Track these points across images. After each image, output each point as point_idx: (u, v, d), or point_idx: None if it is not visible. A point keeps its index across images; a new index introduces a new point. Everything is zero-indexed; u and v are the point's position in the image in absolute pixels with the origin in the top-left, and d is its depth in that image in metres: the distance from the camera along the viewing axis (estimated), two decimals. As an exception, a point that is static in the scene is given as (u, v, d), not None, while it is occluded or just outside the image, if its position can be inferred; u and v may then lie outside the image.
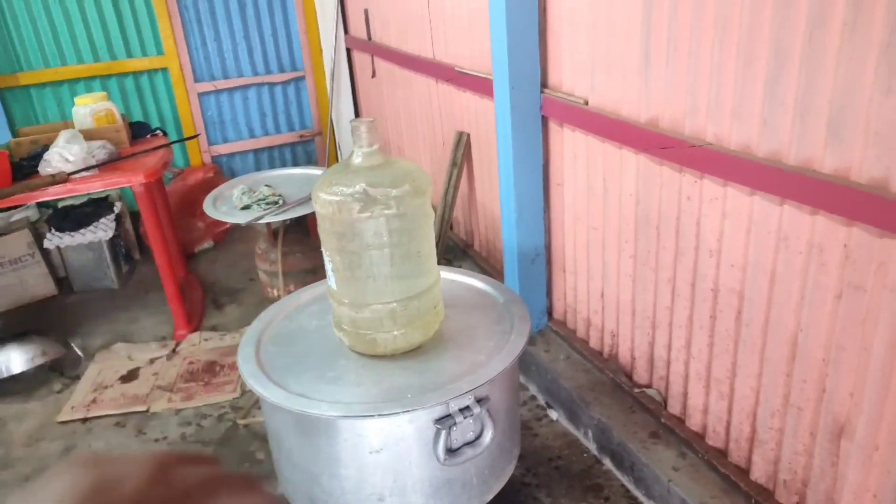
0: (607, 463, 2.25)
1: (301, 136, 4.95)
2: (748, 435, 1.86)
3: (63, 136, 2.90)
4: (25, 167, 2.89)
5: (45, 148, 2.94)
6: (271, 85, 4.75)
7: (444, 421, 1.48)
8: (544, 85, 2.36)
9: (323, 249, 1.58)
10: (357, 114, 4.81)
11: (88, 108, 3.21)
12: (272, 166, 4.82)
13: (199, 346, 3.22)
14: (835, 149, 1.39)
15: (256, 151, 4.87)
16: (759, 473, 1.84)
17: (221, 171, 4.66)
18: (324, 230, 1.55)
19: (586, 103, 2.16)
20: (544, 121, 2.41)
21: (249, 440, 2.55)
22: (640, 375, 2.29)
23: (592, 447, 2.32)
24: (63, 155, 2.83)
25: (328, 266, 1.59)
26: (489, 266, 3.20)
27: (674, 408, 2.15)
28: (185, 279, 3.76)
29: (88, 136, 3.04)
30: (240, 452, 2.49)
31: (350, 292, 1.57)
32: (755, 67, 1.52)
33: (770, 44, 1.47)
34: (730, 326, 1.81)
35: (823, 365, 1.55)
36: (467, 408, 1.50)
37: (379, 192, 1.47)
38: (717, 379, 1.90)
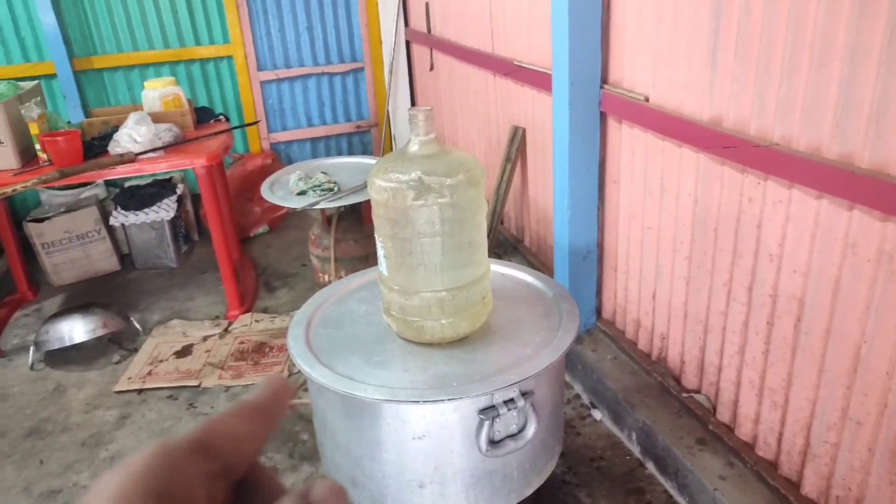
0: (650, 467, 2.21)
1: (358, 127, 5.01)
2: (801, 448, 1.79)
3: (132, 117, 3.02)
4: (96, 146, 3.02)
5: (115, 129, 3.06)
6: (331, 75, 4.82)
7: (488, 412, 1.48)
8: (604, 80, 2.33)
9: (376, 235, 1.60)
10: (414, 106, 4.84)
11: (157, 91, 3.32)
12: (328, 155, 4.90)
13: (250, 326, 3.31)
14: (911, 153, 1.32)
15: (314, 140, 4.95)
16: (810, 488, 1.78)
17: (279, 158, 4.76)
18: (377, 216, 1.57)
19: (647, 100, 2.12)
20: (603, 117, 2.38)
21: (294, 421, 2.61)
22: (689, 380, 2.24)
23: (636, 450, 2.28)
24: (132, 136, 2.94)
25: (380, 252, 1.60)
26: (539, 262, 3.18)
27: (723, 415, 2.09)
28: (240, 261, 3.86)
29: (156, 118, 3.15)
30: (285, 432, 2.55)
31: (400, 279, 1.58)
32: (830, 67, 1.46)
33: (846, 44, 1.41)
34: (788, 334, 1.74)
35: (887, 378, 1.48)
36: (512, 400, 1.50)
37: (433, 181, 1.48)
38: (772, 388, 1.84)
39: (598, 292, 2.70)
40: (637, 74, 2.17)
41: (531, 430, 1.56)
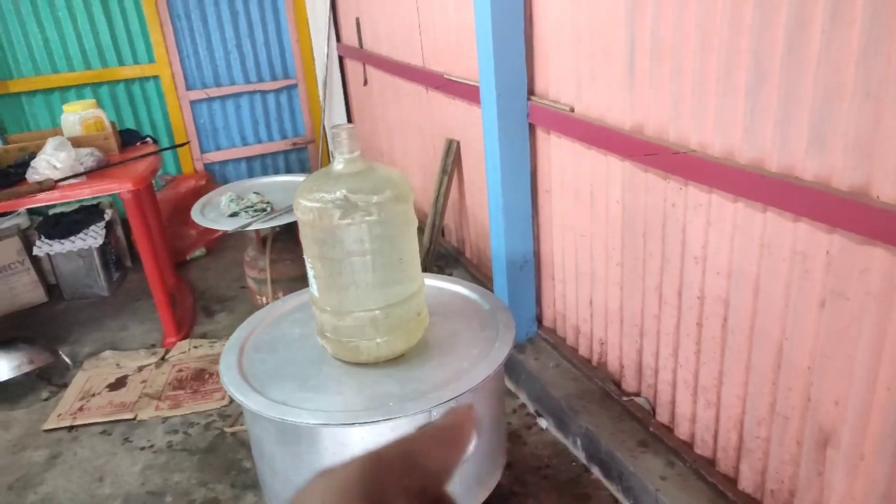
0: (596, 472, 2.24)
1: (294, 144, 4.95)
2: (735, 444, 1.84)
3: (51, 143, 2.89)
4: (13, 174, 2.88)
5: (34, 155, 2.93)
6: (264, 93, 4.75)
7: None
8: (531, 92, 2.36)
9: (305, 256, 1.57)
10: (350, 121, 4.81)
11: (77, 115, 3.20)
12: (265, 174, 4.82)
13: (188, 353, 3.20)
14: (816, 155, 1.38)
15: (249, 159, 4.86)
16: (746, 483, 1.83)
17: (214, 179, 4.66)
18: (305, 237, 1.54)
19: (572, 110, 2.16)
20: (531, 128, 2.41)
21: (237, 448, 2.53)
22: (629, 383, 2.28)
23: (581, 456, 2.30)
24: (50, 162, 2.82)
25: (310, 273, 1.57)
26: (480, 273, 3.19)
27: (662, 416, 2.14)
28: (176, 286, 3.75)
29: (77, 143, 3.03)
30: (227, 460, 2.47)
31: (332, 299, 1.56)
32: (736, 75, 1.52)
33: (750, 52, 1.47)
34: (716, 334, 1.80)
35: (808, 373, 1.54)
36: (449, 416, 1.49)
37: (360, 199, 1.46)
38: (705, 387, 1.89)
39: (538, 301, 2.72)
40: (562, 86, 2.21)
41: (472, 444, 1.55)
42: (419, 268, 1.66)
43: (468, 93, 2.77)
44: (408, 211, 1.56)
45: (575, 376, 2.47)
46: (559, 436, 2.43)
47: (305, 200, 1.48)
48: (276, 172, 4.87)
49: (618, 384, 2.33)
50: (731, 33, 1.50)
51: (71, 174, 2.83)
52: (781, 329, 1.58)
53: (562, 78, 2.20)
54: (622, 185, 2.01)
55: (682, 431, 2.06)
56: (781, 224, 1.50)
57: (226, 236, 4.41)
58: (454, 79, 2.88)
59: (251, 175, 4.84)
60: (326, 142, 4.87)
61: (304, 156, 5.03)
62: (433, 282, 1.94)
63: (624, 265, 2.13)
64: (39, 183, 2.76)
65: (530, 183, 2.48)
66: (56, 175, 2.81)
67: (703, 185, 1.68)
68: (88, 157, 2.95)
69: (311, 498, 0.27)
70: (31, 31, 4.04)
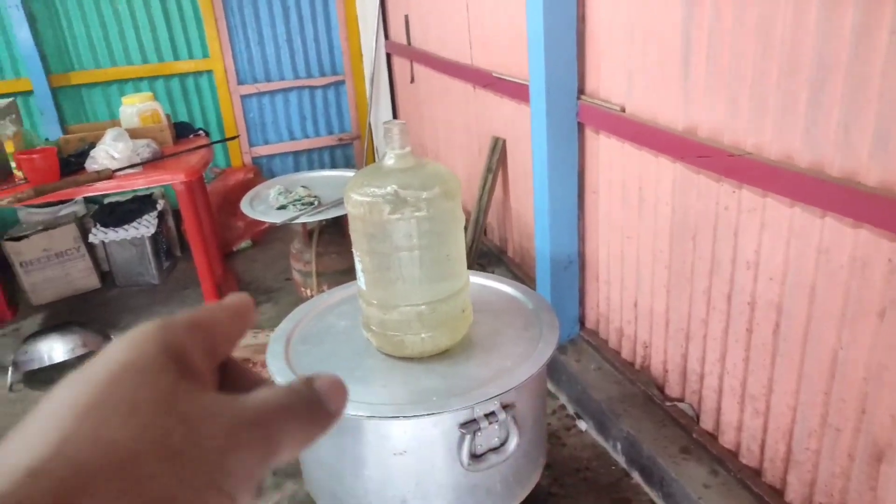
0: (636, 477, 2.21)
1: (340, 140, 5.00)
2: (784, 455, 1.80)
3: (109, 134, 2.99)
4: (73, 163, 2.99)
5: (93, 145, 3.03)
6: (312, 88, 4.81)
7: (469, 426, 1.47)
8: (581, 91, 2.34)
9: (353, 250, 1.59)
10: (396, 117, 4.84)
11: (135, 107, 3.30)
12: (311, 169, 4.88)
13: (233, 342, 3.27)
14: (880, 160, 1.34)
15: (296, 154, 4.94)
16: (793, 495, 1.78)
17: (261, 173, 4.74)
18: (355, 231, 1.56)
19: (623, 110, 2.13)
20: (580, 127, 2.39)
21: (278, 437, 2.58)
22: (673, 388, 2.24)
23: (621, 460, 2.28)
24: (109, 152, 2.92)
25: (358, 266, 1.59)
26: (522, 273, 3.18)
27: (706, 423, 2.10)
28: (223, 277, 3.83)
29: (134, 134, 3.13)
30: (268, 449, 2.52)
31: (379, 293, 1.57)
32: (798, 76, 1.48)
33: (814, 52, 1.43)
34: (767, 341, 1.75)
35: (864, 384, 1.50)
36: (493, 413, 1.49)
37: (409, 194, 1.47)
38: (753, 395, 1.85)
39: (581, 302, 2.70)
40: (613, 85, 2.18)
41: (513, 442, 1.55)
42: (465, 265, 1.66)
43: (517, 91, 2.77)
44: (456, 208, 1.57)
45: (617, 379, 2.44)
46: (599, 439, 2.40)
47: (356, 195, 1.50)
48: (322, 167, 4.93)
49: (661, 389, 2.29)
50: (794, 32, 1.46)
51: (128, 164, 2.92)
52: (837, 338, 1.53)
53: (613, 77, 2.17)
54: (672, 186, 1.98)
55: (726, 440, 2.02)
56: (841, 230, 1.46)
57: (272, 229, 4.48)
58: (503, 77, 2.87)
59: (297, 169, 4.91)
60: (372, 138, 4.92)
61: (350, 152, 5.08)
62: (477, 279, 1.94)
63: (671, 268, 2.09)
64: (98, 172, 2.86)
65: (577, 183, 2.46)
66: (114, 165, 2.90)
67: (758, 189, 1.65)
68: (145, 148, 3.04)
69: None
70: (93, 26, 4.18)
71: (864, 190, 1.36)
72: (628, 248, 2.30)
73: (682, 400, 2.20)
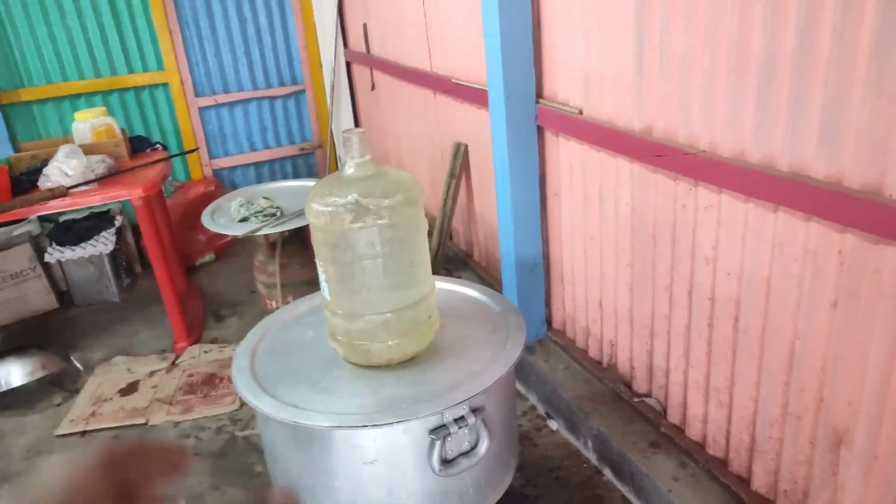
0: (607, 473, 2.23)
1: (302, 149, 4.97)
2: (748, 444, 1.84)
3: (62, 150, 2.92)
4: (25, 182, 2.91)
5: (45, 163, 2.96)
6: (272, 99, 4.77)
7: (439, 431, 1.47)
8: (539, 95, 2.37)
9: (316, 260, 1.58)
10: (357, 126, 4.83)
11: (88, 122, 3.23)
12: (273, 179, 4.83)
13: (198, 358, 3.22)
14: (827, 154, 1.38)
15: (257, 165, 4.89)
16: (759, 483, 1.82)
17: (223, 185, 4.68)
18: (317, 241, 1.55)
19: (581, 113, 2.16)
20: (540, 131, 2.42)
21: (248, 452, 2.54)
22: (640, 385, 2.27)
23: (592, 457, 2.30)
24: (62, 169, 2.85)
25: (322, 277, 1.58)
26: (489, 276, 3.20)
27: (673, 417, 2.13)
28: (186, 292, 3.77)
29: (88, 150, 3.06)
30: (238, 464, 2.48)
31: (343, 303, 1.57)
32: (746, 74, 1.52)
33: (760, 50, 1.47)
34: (727, 335, 1.79)
35: (821, 373, 1.54)
36: (462, 418, 1.49)
37: (371, 202, 1.47)
38: (716, 388, 1.89)
39: (548, 303, 2.72)
40: (570, 88, 2.21)
41: (484, 446, 1.55)
42: (430, 271, 1.66)
43: (476, 96, 2.78)
44: (418, 214, 1.57)
45: (585, 378, 2.46)
46: (570, 437, 2.42)
47: (317, 204, 1.49)
48: (285, 178, 4.89)
49: (628, 385, 2.33)
50: (741, 31, 1.51)
51: (82, 181, 2.86)
52: (794, 329, 1.58)
53: (570, 80, 2.20)
54: (631, 186, 2.02)
55: (693, 432, 2.05)
56: (793, 224, 1.50)
57: (235, 241, 4.43)
58: (462, 83, 2.89)
59: (259, 181, 4.86)
60: (334, 147, 4.90)
61: (312, 161, 5.05)
62: (443, 284, 1.94)
63: (633, 266, 2.13)
64: (51, 190, 2.79)
65: (539, 185, 2.49)
66: (68, 182, 2.83)
67: (713, 186, 1.68)
68: (99, 164, 2.98)
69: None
70: (42, 40, 4.08)
71: (812, 183, 1.40)
72: (591, 249, 2.33)
73: (649, 395, 2.24)
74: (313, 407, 1.49)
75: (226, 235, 4.14)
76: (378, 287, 1.53)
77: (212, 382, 3.00)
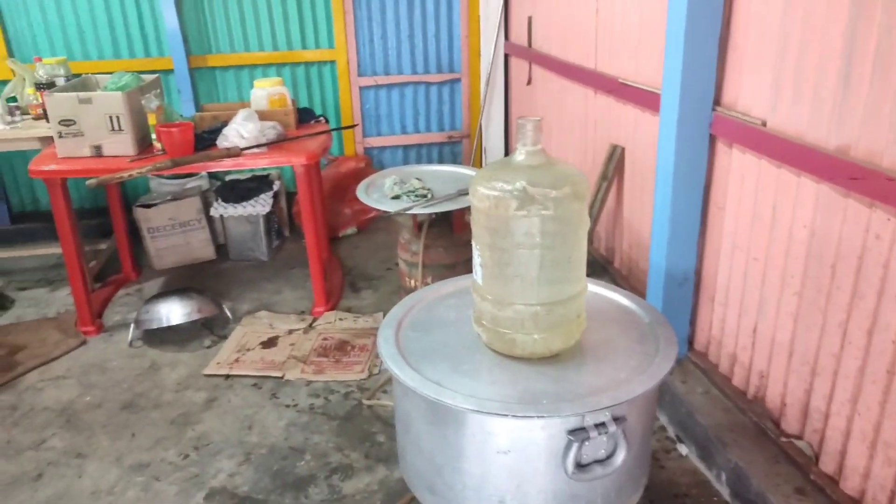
0: (739, 512, 2.08)
1: (450, 137, 5.05)
2: (916, 511, 1.64)
3: (241, 114, 3.15)
4: (206, 139, 3.17)
5: (224, 124, 3.20)
6: (428, 84, 4.88)
7: (578, 433, 1.43)
8: (717, 102, 2.23)
9: (473, 243, 1.58)
10: (507, 120, 4.83)
11: (265, 91, 3.46)
12: (419, 163, 4.95)
13: (333, 324, 3.37)
14: None
15: (406, 147, 5.02)
16: (925, 557, 1.62)
17: (371, 163, 4.86)
18: (477, 224, 1.55)
19: (764, 124, 2.01)
20: (712, 140, 2.28)
21: (372, 421, 2.63)
22: (790, 424, 2.09)
23: (725, 492, 2.15)
24: (239, 131, 3.07)
25: (476, 260, 1.58)
26: (628, 285, 3.08)
27: (827, 465, 1.94)
28: (328, 260, 3.95)
29: (262, 116, 3.28)
30: (362, 431, 2.57)
31: (495, 289, 1.56)
32: (984, 96, 1.34)
33: None
34: (910, 385, 1.60)
35: None
36: (603, 424, 1.44)
37: (538, 192, 1.45)
38: (887, 442, 1.70)
39: (692, 321, 2.58)
40: (754, 97, 2.07)
41: (620, 457, 1.49)
42: (584, 269, 1.62)
43: (643, 98, 2.68)
44: (583, 210, 1.53)
45: (725, 406, 2.31)
46: (701, 466, 2.29)
47: (483, 188, 1.49)
48: (430, 163, 4.99)
49: (776, 423, 2.15)
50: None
51: (255, 144, 3.06)
52: None
53: (756, 88, 2.05)
54: (814, 209, 1.85)
55: (849, 486, 1.86)
56: None
57: (377, 218, 4.59)
58: (629, 83, 2.79)
59: (406, 162, 5.00)
60: (481, 138, 4.93)
61: (458, 150, 5.11)
62: (591, 286, 1.89)
63: (802, 296, 1.95)
64: (228, 149, 3.02)
65: (702, 197, 2.35)
66: (242, 143, 3.05)
67: (920, 218, 1.50)
68: (271, 129, 3.18)
69: None
70: (232, 13, 4.43)
71: None
72: (753, 270, 2.17)
73: (800, 437, 2.06)
74: (454, 387, 1.49)
75: (370, 211, 4.31)
76: (533, 278, 1.51)
77: (344, 349, 3.13)
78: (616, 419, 1.46)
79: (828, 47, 1.74)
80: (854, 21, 1.65)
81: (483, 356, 1.64)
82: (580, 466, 1.47)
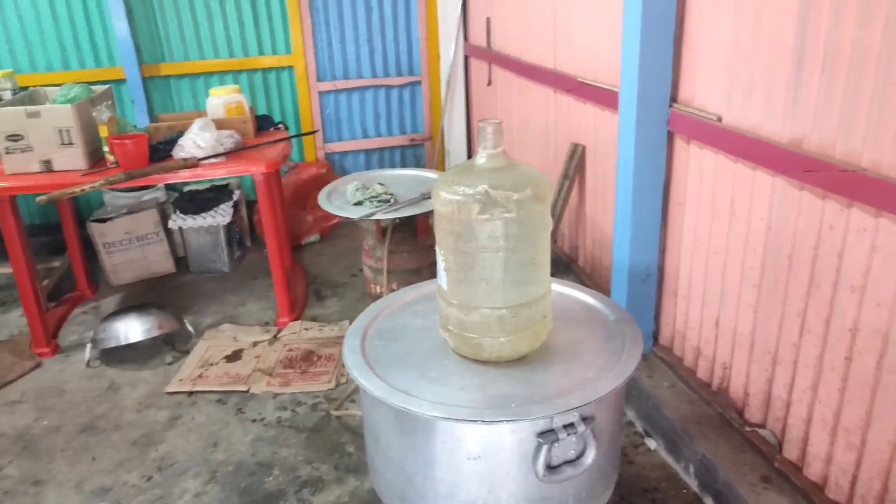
0: (709, 502, 2.11)
1: (412, 140, 5.03)
2: (878, 493, 1.68)
3: (197, 123, 3.08)
4: (161, 150, 3.09)
5: (180, 134, 3.13)
6: (388, 88, 4.85)
7: (547, 435, 1.43)
8: (674, 99, 2.26)
9: (437, 248, 1.57)
10: (469, 121, 4.83)
11: (221, 99, 3.39)
12: (381, 167, 4.92)
13: (299, 334, 3.32)
14: None
15: (368, 152, 4.99)
16: (888, 538, 1.66)
17: (333, 169, 4.81)
18: (440, 229, 1.54)
19: (719, 120, 2.05)
20: (670, 136, 2.31)
21: (341, 431, 2.59)
22: (753, 413, 2.13)
23: (693, 483, 2.18)
24: (195, 141, 3.00)
25: (441, 265, 1.57)
26: (593, 283, 3.11)
27: (790, 453, 1.98)
28: (291, 269, 3.89)
29: (219, 125, 3.21)
30: (331, 442, 2.53)
31: (461, 294, 1.55)
32: (927, 88, 1.38)
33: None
34: (868, 371, 1.64)
35: (983, 426, 1.37)
36: (571, 425, 1.44)
37: (500, 195, 1.44)
38: (847, 428, 1.73)
39: (656, 316, 2.61)
40: (710, 93, 2.10)
41: (590, 456, 1.49)
42: (549, 271, 1.62)
43: (602, 97, 2.70)
44: (545, 211, 1.53)
45: (691, 399, 2.34)
46: (669, 459, 2.31)
47: (446, 193, 1.48)
48: (393, 166, 4.96)
49: (740, 413, 2.19)
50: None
51: (212, 154, 3.00)
52: (954, 374, 1.42)
53: (711, 85, 2.09)
54: (770, 202, 1.88)
55: (812, 472, 1.90)
56: (968, 257, 1.34)
57: (340, 224, 4.54)
58: (588, 82, 2.81)
59: (368, 167, 4.96)
60: (443, 140, 4.92)
61: (420, 152, 5.10)
62: (556, 286, 1.89)
63: (761, 287, 1.99)
64: (185, 160, 2.95)
65: (663, 193, 2.38)
66: (199, 153, 2.99)
67: (871, 208, 1.54)
68: (228, 138, 3.12)
69: None
70: (185, 20, 4.33)
71: None
72: (714, 264, 2.21)
73: (763, 426, 2.09)
74: (422, 395, 1.48)
75: (332, 217, 4.26)
76: (498, 281, 1.50)
77: (310, 359, 3.09)
78: (585, 419, 1.46)
79: (779, 42, 1.78)
80: (804, 15, 1.68)
81: (450, 362, 1.62)
82: (550, 468, 1.46)
